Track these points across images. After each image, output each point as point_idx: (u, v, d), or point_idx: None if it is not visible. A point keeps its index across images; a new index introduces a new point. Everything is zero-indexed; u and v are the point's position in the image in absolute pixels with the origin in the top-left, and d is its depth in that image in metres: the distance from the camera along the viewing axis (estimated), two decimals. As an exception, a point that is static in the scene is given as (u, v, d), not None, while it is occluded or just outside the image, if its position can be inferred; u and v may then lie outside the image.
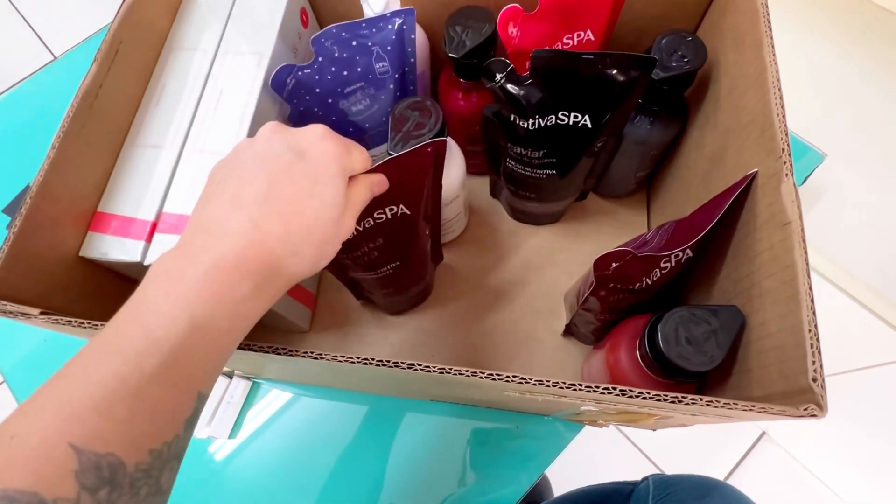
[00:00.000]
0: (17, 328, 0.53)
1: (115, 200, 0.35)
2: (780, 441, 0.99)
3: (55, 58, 1.42)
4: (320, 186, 0.23)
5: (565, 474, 0.81)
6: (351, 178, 0.26)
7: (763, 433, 1.00)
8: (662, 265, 0.31)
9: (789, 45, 0.68)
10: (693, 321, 0.28)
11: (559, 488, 0.83)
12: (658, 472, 0.97)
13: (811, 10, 0.69)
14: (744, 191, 0.30)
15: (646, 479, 0.44)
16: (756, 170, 0.29)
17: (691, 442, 1.00)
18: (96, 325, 0.27)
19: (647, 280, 0.32)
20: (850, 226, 0.62)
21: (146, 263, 0.33)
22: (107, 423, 0.17)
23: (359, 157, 0.26)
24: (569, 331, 0.46)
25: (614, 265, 0.31)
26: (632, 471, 0.97)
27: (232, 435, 0.47)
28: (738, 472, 0.99)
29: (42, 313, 0.28)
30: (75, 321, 0.27)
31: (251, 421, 0.48)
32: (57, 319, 0.28)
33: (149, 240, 0.33)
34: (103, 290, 0.36)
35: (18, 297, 0.29)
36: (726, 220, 0.33)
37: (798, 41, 0.69)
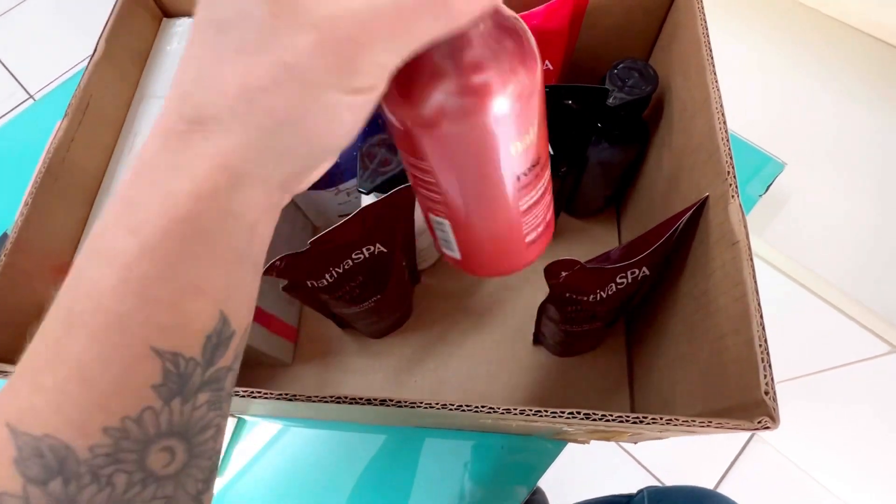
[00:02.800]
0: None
1: (90, 250, 0.35)
2: (771, 441, 1.00)
3: (31, 96, 1.42)
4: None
5: (563, 489, 0.81)
6: None
7: (753, 434, 1.01)
8: (618, 280, 0.32)
9: (746, 57, 0.71)
10: None
11: (556, 501, 0.84)
12: (653, 479, 0.98)
13: (767, 23, 0.72)
14: (697, 210, 0.32)
15: (641, 491, 0.45)
16: (707, 194, 0.31)
17: (684, 449, 1.01)
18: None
19: (602, 293, 0.33)
20: (815, 230, 0.64)
21: (124, 311, 0.33)
22: (38, 395, 0.14)
23: None
24: (538, 339, 0.47)
25: (563, 274, 0.32)
26: (628, 481, 0.97)
27: (220, 472, 0.48)
28: (732, 475, 1.00)
29: (20, 369, 0.28)
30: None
31: (239, 457, 0.48)
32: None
33: (125, 287, 0.34)
34: (82, 339, 0.36)
35: (-4, 353, 0.29)
36: (685, 240, 0.34)
37: (754, 54, 0.71)
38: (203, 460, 0.16)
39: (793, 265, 0.64)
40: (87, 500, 0.14)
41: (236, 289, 0.16)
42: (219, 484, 0.47)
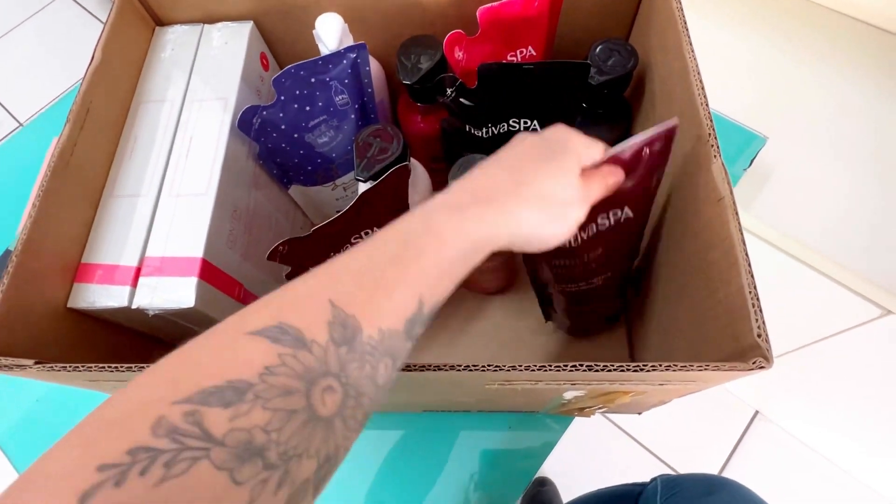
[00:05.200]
0: (8, 393, 0.53)
1: (98, 250, 0.36)
2: (774, 418, 1.01)
3: (20, 124, 1.43)
4: (558, 155, 0.26)
5: (573, 478, 0.82)
6: (586, 173, 0.28)
7: (756, 412, 1.02)
8: (599, 221, 0.33)
9: (724, 38, 0.73)
10: None
11: (567, 492, 0.84)
12: (660, 462, 0.99)
13: (743, 3, 0.74)
14: (681, 166, 0.33)
15: (654, 479, 0.46)
16: (676, 119, 0.31)
17: (690, 431, 1.02)
18: (90, 367, 0.28)
19: (583, 234, 0.33)
20: (801, 201, 0.66)
21: (133, 307, 0.34)
22: (357, 292, 0.20)
23: (596, 149, 0.28)
24: (547, 315, 0.48)
25: None
26: (637, 468, 0.98)
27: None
28: (738, 455, 1.00)
29: (37, 363, 0.29)
30: (70, 366, 0.29)
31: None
32: (52, 367, 0.29)
33: (134, 284, 0.35)
34: (95, 339, 0.37)
35: (12, 352, 0.30)
36: (674, 201, 0.35)
37: (735, 35, 0.73)
38: (389, 386, 0.22)
39: (782, 237, 0.65)
40: (350, 370, 0.18)
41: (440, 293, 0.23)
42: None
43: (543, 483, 0.86)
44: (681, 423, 1.00)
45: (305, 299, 0.19)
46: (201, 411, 0.15)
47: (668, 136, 0.29)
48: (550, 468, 0.90)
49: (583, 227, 0.33)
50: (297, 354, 0.17)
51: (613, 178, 0.29)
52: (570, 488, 0.65)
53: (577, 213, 0.27)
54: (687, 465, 0.98)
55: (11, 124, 1.44)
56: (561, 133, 0.28)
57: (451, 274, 0.23)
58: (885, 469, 0.91)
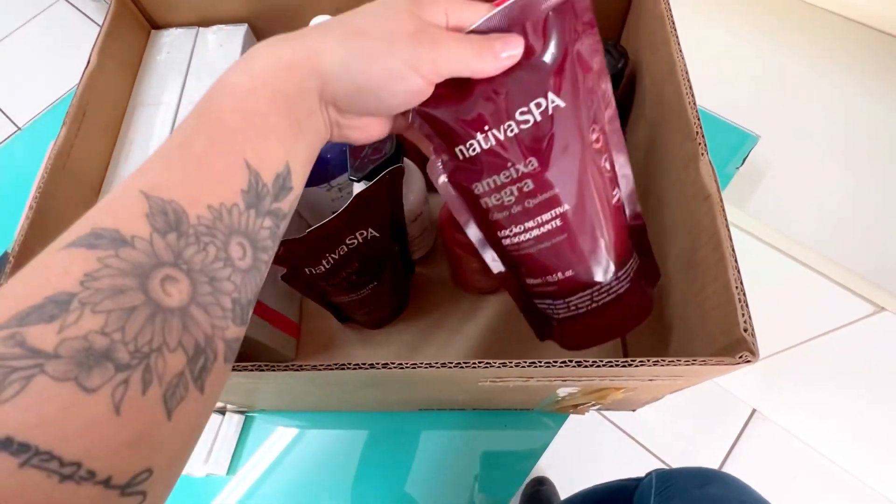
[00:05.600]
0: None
1: (94, 252, 0.36)
2: (771, 416, 1.01)
3: (19, 128, 1.43)
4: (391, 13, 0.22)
5: (571, 476, 0.82)
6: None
7: (754, 410, 1.02)
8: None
9: (721, 37, 0.74)
10: None
11: (565, 491, 0.84)
12: (658, 461, 0.99)
13: (733, 4, 0.75)
14: (671, 164, 0.33)
15: (649, 474, 0.46)
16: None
17: (687, 429, 1.02)
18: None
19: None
20: (794, 199, 0.67)
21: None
22: (168, 173, 0.19)
23: (471, 10, 0.23)
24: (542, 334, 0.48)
25: None
26: (636, 466, 0.98)
27: (231, 471, 0.48)
28: (736, 453, 1.01)
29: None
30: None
31: (248, 454, 0.49)
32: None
33: (130, 284, 0.35)
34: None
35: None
36: (662, 199, 0.36)
37: (728, 33, 0.74)
38: (258, 276, 0.21)
39: (775, 235, 0.66)
40: (188, 256, 0.18)
41: (296, 153, 0.22)
42: (229, 482, 0.48)
43: (542, 482, 0.86)
44: (679, 421, 1.01)
45: (116, 199, 0.18)
46: (21, 332, 0.14)
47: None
48: (549, 467, 0.90)
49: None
50: (119, 253, 0.16)
51: (505, 48, 0.23)
52: (571, 488, 0.65)
53: (409, 48, 0.21)
54: (685, 462, 0.98)
55: (10, 128, 1.44)
56: None
57: (275, 127, 0.21)
58: (883, 466, 0.91)
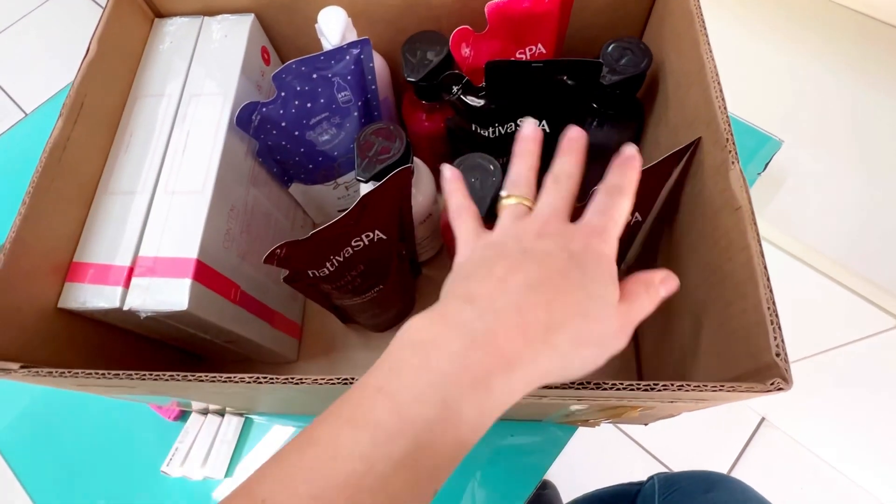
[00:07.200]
0: (4, 392, 0.52)
1: (90, 249, 0.35)
2: (780, 425, 0.99)
3: (26, 115, 1.42)
4: (600, 288, 0.22)
5: (575, 481, 0.81)
6: (626, 289, 0.23)
7: (763, 419, 1.00)
8: None
9: (741, 37, 0.71)
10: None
11: (569, 495, 0.83)
12: (664, 468, 0.97)
13: (759, 3, 0.72)
14: (697, 171, 0.32)
15: (651, 478, 0.45)
16: (700, 136, 0.30)
17: (695, 436, 1.01)
18: (77, 373, 0.27)
19: None
20: (816, 207, 0.64)
21: (125, 308, 0.33)
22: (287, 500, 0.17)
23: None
24: None
25: None
26: (641, 473, 0.97)
27: (228, 474, 0.47)
28: (743, 460, 0.99)
29: (22, 367, 0.28)
30: (56, 371, 0.28)
31: (247, 458, 0.48)
32: (37, 371, 0.28)
33: (126, 285, 0.34)
34: (86, 341, 0.36)
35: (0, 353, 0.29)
36: (689, 210, 0.34)
37: (749, 33, 0.71)
38: None
39: (795, 243, 0.64)
40: None
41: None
42: (228, 486, 0.47)
43: (545, 486, 0.85)
44: (687, 428, 0.99)
45: None
46: None
47: None
48: (553, 472, 0.89)
49: None
50: None
51: (666, 289, 0.24)
52: (575, 492, 0.64)
53: (617, 345, 0.22)
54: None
55: (17, 114, 1.43)
56: (592, 244, 0.23)
57: (460, 458, 0.20)
58: (893, 480, 0.89)
